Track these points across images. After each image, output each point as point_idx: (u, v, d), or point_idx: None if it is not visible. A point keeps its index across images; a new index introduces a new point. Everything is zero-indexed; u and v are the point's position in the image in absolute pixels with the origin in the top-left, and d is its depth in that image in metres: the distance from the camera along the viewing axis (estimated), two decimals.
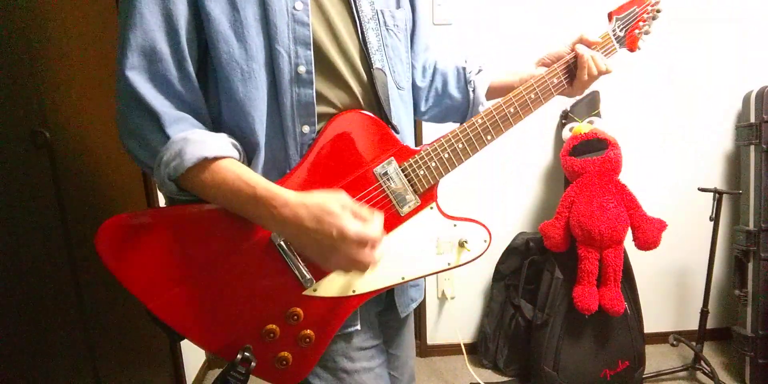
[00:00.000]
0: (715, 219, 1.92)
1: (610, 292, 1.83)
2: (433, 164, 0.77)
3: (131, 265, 0.65)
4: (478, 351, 2.23)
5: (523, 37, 2.04)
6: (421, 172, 0.77)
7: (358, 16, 0.75)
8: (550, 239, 1.91)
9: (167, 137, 0.63)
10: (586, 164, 1.86)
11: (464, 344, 2.21)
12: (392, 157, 0.75)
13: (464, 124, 0.80)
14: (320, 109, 0.72)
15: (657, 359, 2.16)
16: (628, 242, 1.86)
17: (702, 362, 1.98)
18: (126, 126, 0.65)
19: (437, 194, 0.79)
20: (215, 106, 0.71)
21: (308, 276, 0.70)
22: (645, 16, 0.96)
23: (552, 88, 0.87)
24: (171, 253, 0.66)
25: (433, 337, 2.28)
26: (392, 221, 0.76)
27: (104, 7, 1.40)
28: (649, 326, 2.05)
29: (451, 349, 2.25)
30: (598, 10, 2.02)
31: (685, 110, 2.15)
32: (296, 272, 0.70)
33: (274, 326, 0.70)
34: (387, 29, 0.81)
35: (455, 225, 0.80)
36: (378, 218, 0.64)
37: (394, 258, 0.76)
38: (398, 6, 0.86)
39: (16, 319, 0.97)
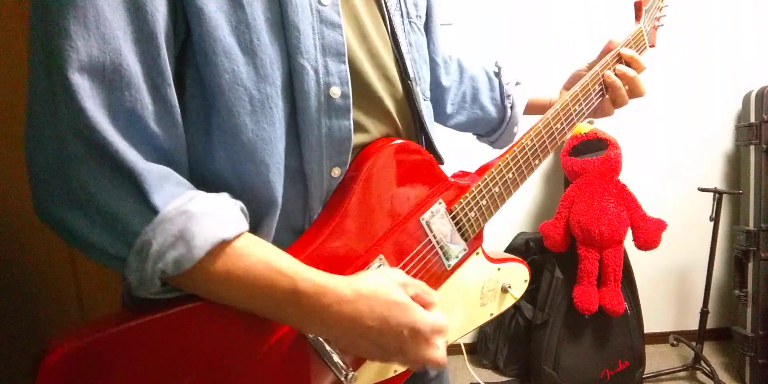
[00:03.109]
0: (715, 219, 1.92)
1: (610, 292, 1.83)
2: (484, 202, 0.64)
3: None
4: (478, 351, 2.23)
5: (526, 37, 2.04)
6: (472, 215, 0.63)
7: (387, 8, 0.57)
8: (550, 239, 1.91)
9: (153, 210, 0.40)
10: (586, 164, 1.86)
11: (464, 344, 2.21)
12: (441, 200, 0.60)
13: (513, 148, 0.66)
14: (354, 140, 0.53)
15: (657, 359, 2.16)
16: (628, 242, 1.86)
17: (702, 362, 1.98)
18: (67, 191, 0.39)
19: (484, 237, 0.68)
20: (203, 151, 0.48)
21: (346, 369, 0.54)
22: (661, 4, 0.85)
23: (594, 96, 0.75)
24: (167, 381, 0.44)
25: None
26: (437, 279, 0.62)
27: None
28: (649, 326, 2.05)
29: (451, 349, 2.23)
30: (600, 10, 2.03)
31: (685, 110, 2.15)
32: (332, 368, 0.53)
33: None
34: (410, 22, 0.63)
35: (499, 269, 0.70)
36: (435, 298, 0.52)
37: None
38: None
39: (16, 319, 0.97)
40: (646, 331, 1.98)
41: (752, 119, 1.98)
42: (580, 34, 2.06)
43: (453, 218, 0.62)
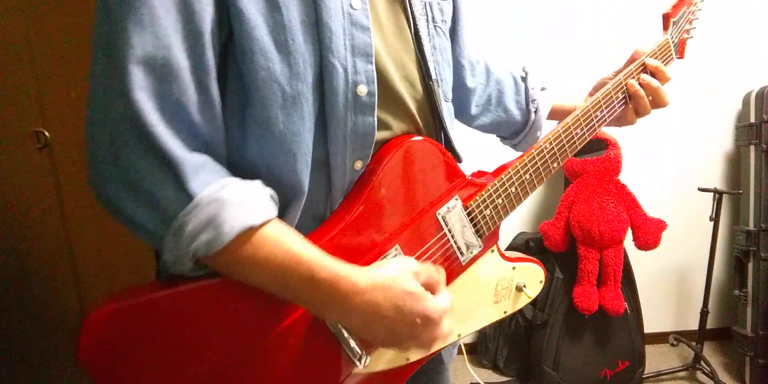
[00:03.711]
0: (715, 219, 1.92)
1: (610, 292, 1.83)
2: (500, 201, 0.66)
3: (133, 378, 0.46)
4: (478, 351, 2.23)
5: (534, 36, 2.04)
6: (488, 212, 0.65)
7: (412, 12, 0.60)
8: (550, 239, 1.91)
9: (189, 196, 0.44)
10: (586, 164, 1.86)
11: (464, 344, 2.21)
12: (457, 196, 0.62)
13: (531, 150, 0.67)
14: (376, 136, 0.57)
15: (657, 359, 2.16)
16: (628, 242, 1.86)
17: (702, 362, 1.98)
18: (117, 172, 0.44)
19: (499, 235, 0.69)
20: (239, 140, 0.52)
21: (360, 352, 0.57)
22: (691, 17, 0.84)
23: (616, 104, 0.76)
24: (188, 349, 0.48)
25: None
26: (452, 273, 0.64)
27: None
28: (649, 326, 2.05)
29: None
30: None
31: (685, 110, 2.15)
32: (347, 350, 0.56)
33: None
34: (435, 26, 0.65)
35: (514, 268, 0.71)
36: (443, 275, 0.55)
37: (450, 316, 0.63)
38: None
39: (16, 319, 0.97)
40: (646, 331, 1.98)
41: (752, 119, 1.98)
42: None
43: (468, 215, 0.64)
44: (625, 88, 0.76)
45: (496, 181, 0.65)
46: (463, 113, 0.84)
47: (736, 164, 2.18)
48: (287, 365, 0.53)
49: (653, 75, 0.77)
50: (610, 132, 1.91)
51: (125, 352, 0.45)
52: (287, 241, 0.48)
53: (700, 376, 2.02)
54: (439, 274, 0.55)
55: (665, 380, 2.03)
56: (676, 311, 2.32)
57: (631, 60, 0.79)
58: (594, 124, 0.74)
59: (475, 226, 0.65)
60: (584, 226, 1.81)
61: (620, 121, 0.80)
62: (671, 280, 2.29)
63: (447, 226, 0.62)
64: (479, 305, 0.68)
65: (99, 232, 1.26)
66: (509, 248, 2.12)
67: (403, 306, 0.49)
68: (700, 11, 0.85)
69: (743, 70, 2.12)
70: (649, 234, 1.81)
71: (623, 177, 1.88)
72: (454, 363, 2.20)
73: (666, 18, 0.80)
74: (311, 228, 0.55)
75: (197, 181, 0.45)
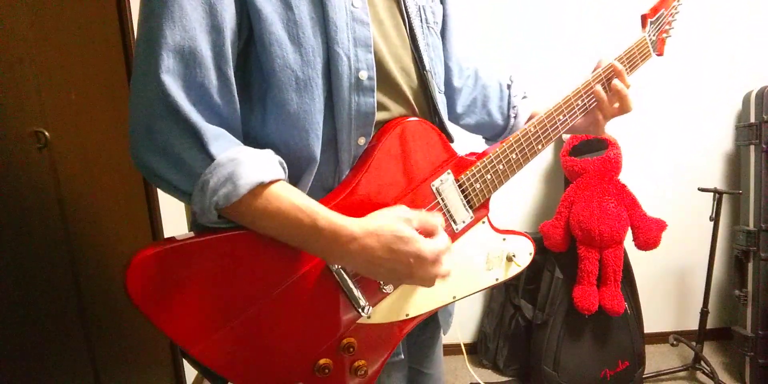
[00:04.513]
0: (715, 219, 1.92)
1: (610, 292, 1.84)
2: (489, 177, 0.73)
3: (169, 307, 0.55)
4: (478, 351, 2.23)
5: (527, 37, 2.04)
6: (478, 186, 0.72)
7: (407, 13, 0.69)
8: (550, 239, 1.91)
9: (211, 157, 0.53)
10: (585, 164, 1.86)
11: (464, 344, 2.21)
12: (449, 170, 0.70)
13: (518, 133, 0.76)
14: (377, 117, 0.65)
15: (657, 359, 2.16)
16: (628, 242, 1.86)
17: (702, 362, 1.98)
18: (151, 140, 0.53)
19: (489, 207, 0.76)
20: (258, 120, 0.62)
21: (364, 303, 0.64)
22: (670, 18, 0.93)
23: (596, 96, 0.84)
24: (214, 290, 0.57)
25: None
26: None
27: (105, 7, 1.40)
28: (649, 326, 2.05)
29: (451, 349, 2.25)
30: (600, 11, 2.03)
31: (685, 110, 2.15)
32: (352, 300, 0.64)
33: (327, 360, 0.63)
34: (428, 27, 0.75)
35: (504, 239, 0.78)
36: (440, 222, 0.61)
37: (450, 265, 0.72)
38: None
39: (16, 319, 0.97)
40: (646, 331, 1.98)
41: (752, 119, 1.98)
42: (590, 40, 2.06)
43: (460, 187, 0.71)
44: (602, 79, 0.85)
45: (485, 159, 0.73)
46: (450, 111, 0.92)
47: (736, 164, 2.19)
48: (299, 309, 0.61)
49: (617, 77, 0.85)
50: (610, 132, 1.91)
51: (165, 288, 0.54)
52: (294, 197, 0.56)
53: (700, 376, 2.03)
54: (435, 218, 0.61)
55: (665, 380, 2.03)
56: (676, 311, 2.32)
57: (598, 66, 0.86)
58: (575, 111, 0.82)
59: (466, 197, 0.72)
60: (584, 226, 1.81)
61: (590, 125, 0.88)
62: (671, 280, 2.29)
63: (440, 196, 0.69)
64: (472, 270, 0.76)
65: (99, 232, 1.26)
66: None
67: (396, 248, 0.57)
68: (678, 14, 0.93)
69: (743, 70, 2.12)
70: (649, 234, 1.81)
71: (623, 177, 1.88)
72: (454, 363, 2.21)
73: (644, 18, 0.89)
74: (319, 194, 0.63)
75: (217, 146, 0.53)
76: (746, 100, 2.03)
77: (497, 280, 0.78)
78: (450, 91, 0.90)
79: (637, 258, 1.94)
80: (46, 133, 1.06)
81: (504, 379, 2.10)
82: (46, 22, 1.11)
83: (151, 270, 0.53)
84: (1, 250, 0.94)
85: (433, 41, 0.75)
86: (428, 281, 0.60)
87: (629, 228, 1.84)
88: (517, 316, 2.09)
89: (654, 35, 0.90)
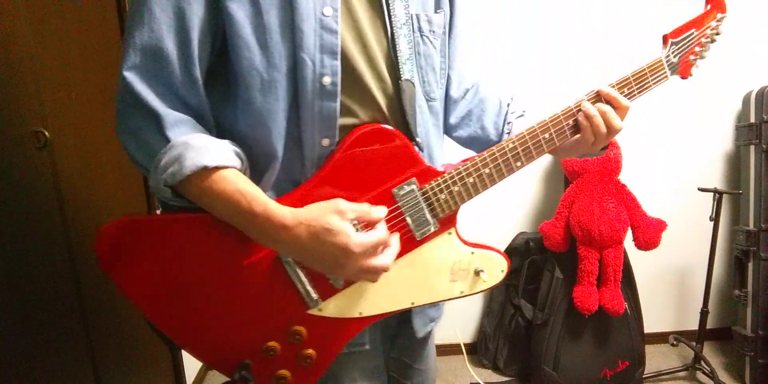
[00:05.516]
0: (715, 219, 1.92)
1: (610, 292, 1.83)
2: (456, 189, 0.72)
3: (131, 272, 0.63)
4: (478, 351, 2.23)
5: (529, 39, 2.04)
6: (443, 197, 0.72)
7: (390, 22, 0.70)
8: (550, 239, 1.91)
9: (167, 140, 0.60)
10: (586, 164, 1.86)
11: (464, 344, 2.21)
12: (414, 178, 0.70)
13: (494, 148, 0.73)
14: (343, 120, 0.68)
15: (657, 359, 2.16)
16: (628, 242, 1.86)
17: (702, 362, 1.98)
18: (124, 123, 0.62)
19: (457, 220, 0.75)
20: (230, 114, 0.67)
21: (314, 296, 0.67)
22: (703, 40, 0.85)
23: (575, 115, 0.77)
24: (173, 262, 0.63)
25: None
26: (407, 245, 0.72)
27: (104, 7, 1.40)
28: (649, 326, 2.05)
29: (451, 349, 2.25)
30: (607, 16, 2.03)
31: (685, 110, 2.15)
32: (302, 291, 0.67)
33: (275, 343, 0.67)
34: (422, 35, 0.75)
35: (473, 253, 0.76)
36: (379, 214, 0.64)
37: (405, 282, 0.73)
38: (437, 9, 0.79)
39: (16, 319, 0.97)
40: (646, 331, 1.98)
41: (752, 119, 1.98)
42: (598, 52, 2.06)
43: (423, 195, 0.71)
44: (594, 99, 0.78)
45: (453, 170, 0.72)
46: (444, 122, 0.90)
47: (736, 164, 2.19)
48: (250, 292, 0.66)
49: (608, 103, 0.77)
50: None
51: (130, 256, 0.62)
52: (238, 182, 0.60)
53: (700, 376, 2.03)
54: (376, 212, 0.64)
55: (665, 380, 2.03)
56: (676, 311, 2.32)
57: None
58: (565, 132, 0.76)
59: (430, 206, 0.72)
60: (584, 226, 1.81)
61: (580, 144, 0.80)
62: (671, 280, 2.29)
63: (400, 202, 0.70)
64: (434, 280, 0.75)
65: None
66: (509, 248, 2.12)
67: (324, 239, 0.59)
68: (719, 35, 0.86)
69: (743, 70, 2.12)
70: (649, 234, 1.81)
71: (623, 177, 1.88)
72: (454, 363, 2.21)
73: (665, 39, 0.84)
74: (289, 191, 0.67)
75: (175, 131, 0.60)
76: (746, 100, 2.03)
77: (462, 292, 0.77)
78: (446, 102, 0.89)
79: (637, 258, 1.94)
80: (46, 133, 1.06)
81: (504, 379, 2.10)
82: (46, 22, 1.11)
83: (118, 236, 0.62)
84: (1, 250, 0.94)
85: (425, 50, 0.76)
86: (364, 274, 0.62)
87: (629, 228, 1.84)
88: (517, 316, 2.09)
89: (677, 57, 0.84)
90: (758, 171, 1.96)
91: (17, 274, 0.98)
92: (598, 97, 0.77)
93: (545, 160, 2.17)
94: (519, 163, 0.75)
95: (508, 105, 0.91)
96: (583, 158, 1.87)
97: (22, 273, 1.00)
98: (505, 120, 0.90)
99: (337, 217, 0.60)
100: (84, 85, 1.25)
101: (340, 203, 0.62)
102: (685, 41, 0.85)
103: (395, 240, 0.67)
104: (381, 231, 0.63)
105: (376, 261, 0.62)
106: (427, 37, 0.76)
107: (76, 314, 1.17)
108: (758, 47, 2.12)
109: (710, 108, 2.15)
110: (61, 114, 1.15)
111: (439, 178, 0.72)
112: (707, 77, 2.12)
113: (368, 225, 0.64)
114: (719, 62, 2.11)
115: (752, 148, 1.98)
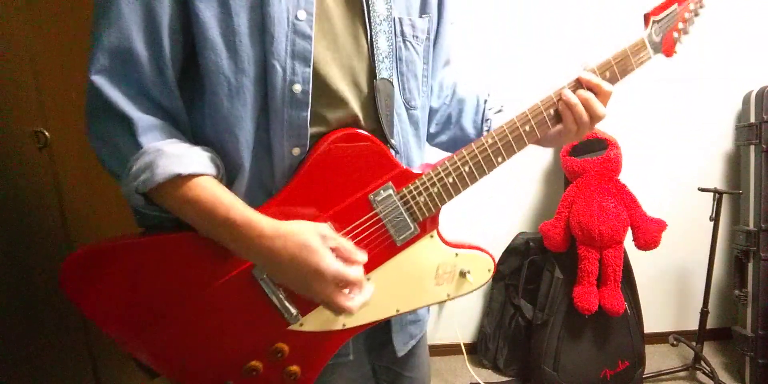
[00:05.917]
0: (715, 219, 1.92)
1: (610, 292, 1.84)
2: (435, 190, 0.69)
3: (101, 304, 0.60)
4: (478, 351, 2.23)
5: (527, 37, 2.04)
6: (422, 199, 0.69)
7: (369, 19, 0.66)
8: (550, 239, 1.91)
9: (139, 146, 0.57)
10: (586, 164, 1.86)
11: (464, 344, 2.21)
12: (390, 182, 0.68)
13: (472, 144, 0.70)
14: (314, 130, 0.64)
15: (657, 359, 2.16)
16: (628, 242, 1.86)
17: (702, 362, 1.98)
18: (95, 129, 0.59)
19: (439, 222, 0.73)
20: (198, 119, 0.64)
21: (294, 311, 0.65)
22: (686, 14, 0.81)
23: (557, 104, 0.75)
24: (144, 288, 0.61)
25: (433, 337, 2.28)
26: (387, 251, 0.69)
27: None
28: (649, 326, 2.05)
29: (451, 349, 2.25)
30: (604, 11, 2.03)
31: (685, 110, 2.15)
32: (280, 308, 0.65)
33: (257, 363, 0.65)
34: (404, 40, 0.71)
35: (457, 254, 0.74)
36: (361, 257, 0.61)
37: (389, 289, 0.70)
38: (422, 13, 0.74)
39: (16, 319, 0.97)
40: (646, 331, 1.98)
41: (752, 119, 1.98)
42: (591, 38, 2.06)
43: (402, 199, 0.68)
44: (575, 86, 0.74)
45: (431, 171, 0.69)
46: (426, 131, 0.87)
47: (736, 164, 2.19)
48: (226, 312, 0.63)
49: (590, 89, 0.73)
50: (610, 132, 1.91)
51: (96, 283, 0.59)
52: (214, 189, 0.58)
53: (700, 376, 2.03)
54: (356, 252, 0.61)
55: (665, 380, 2.03)
56: (676, 311, 2.32)
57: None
58: (546, 122, 0.73)
59: (409, 210, 0.69)
60: (584, 226, 1.81)
61: (563, 134, 0.77)
62: (671, 280, 2.29)
63: (378, 207, 0.67)
64: (418, 285, 0.73)
65: (99, 232, 1.26)
66: (509, 248, 2.12)
67: (298, 256, 0.57)
68: (703, 8, 0.81)
69: (743, 70, 2.12)
70: (649, 234, 1.81)
71: (623, 177, 1.88)
72: (454, 363, 2.21)
73: (646, 17, 0.78)
74: (262, 201, 0.63)
75: (148, 136, 0.57)
76: (746, 100, 2.03)
77: (448, 295, 0.75)
78: (429, 113, 0.86)
79: (637, 258, 1.94)
80: (46, 133, 1.06)
81: (504, 379, 2.10)
82: (46, 22, 1.11)
83: (83, 268, 0.59)
84: (1, 249, 0.94)
85: (407, 56, 0.72)
86: (328, 305, 0.59)
87: (629, 228, 1.84)
88: (517, 316, 2.09)
89: (659, 35, 0.79)
90: (758, 171, 1.96)
91: (17, 274, 0.98)
92: (579, 84, 0.73)
93: (545, 161, 2.17)
94: (500, 159, 0.72)
95: (485, 101, 0.88)
96: (582, 158, 1.87)
97: (22, 273, 1.00)
98: (483, 117, 0.87)
99: (319, 239, 0.58)
100: (84, 85, 1.25)
101: (326, 229, 0.60)
102: (667, 18, 0.79)
103: (369, 289, 0.62)
104: (358, 272, 0.60)
105: (345, 301, 0.59)
106: (410, 42, 0.72)
107: (76, 314, 1.17)
108: (758, 47, 2.12)
109: (710, 108, 2.15)
110: (61, 114, 1.15)
111: (417, 181, 0.69)
112: (707, 77, 2.12)
113: (346, 261, 0.60)
114: (719, 62, 2.11)
115: (752, 148, 1.98)
